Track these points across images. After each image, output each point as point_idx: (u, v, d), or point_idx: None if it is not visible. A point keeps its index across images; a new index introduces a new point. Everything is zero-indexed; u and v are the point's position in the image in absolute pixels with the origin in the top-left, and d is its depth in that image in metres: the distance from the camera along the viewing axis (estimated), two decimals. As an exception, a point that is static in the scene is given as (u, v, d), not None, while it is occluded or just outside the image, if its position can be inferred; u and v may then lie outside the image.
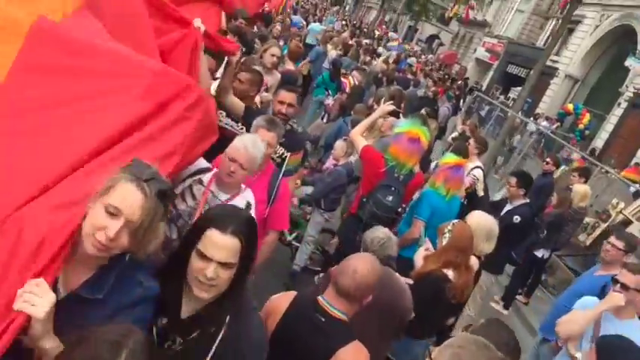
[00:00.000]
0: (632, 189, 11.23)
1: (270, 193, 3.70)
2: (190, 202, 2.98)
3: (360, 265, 2.48)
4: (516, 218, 5.86)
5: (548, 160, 9.16)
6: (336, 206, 5.96)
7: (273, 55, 6.04)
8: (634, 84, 21.52)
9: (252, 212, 3.11)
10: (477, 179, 6.35)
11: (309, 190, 6.11)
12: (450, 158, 4.99)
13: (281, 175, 3.84)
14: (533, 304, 8.42)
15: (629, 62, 21.20)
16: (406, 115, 10.84)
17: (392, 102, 9.40)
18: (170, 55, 2.73)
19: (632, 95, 21.51)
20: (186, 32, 2.88)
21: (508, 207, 6.07)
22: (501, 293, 7.84)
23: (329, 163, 7.19)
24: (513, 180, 6.04)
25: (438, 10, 33.02)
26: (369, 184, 4.64)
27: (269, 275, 5.48)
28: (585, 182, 8.50)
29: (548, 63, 28.22)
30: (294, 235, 6.27)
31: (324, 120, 9.60)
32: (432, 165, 6.08)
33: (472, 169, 6.39)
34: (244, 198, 3.14)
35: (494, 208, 5.99)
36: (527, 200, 6.13)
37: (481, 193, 6.21)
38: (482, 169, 6.64)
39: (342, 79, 9.82)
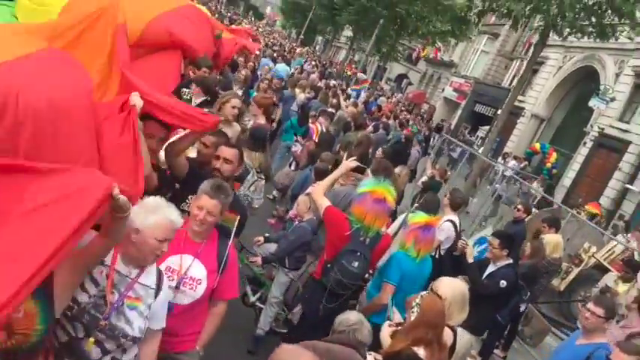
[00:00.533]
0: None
1: (220, 261, 3.40)
2: (93, 290, 2.49)
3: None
4: (502, 283, 5.62)
5: (519, 207, 9.01)
6: (301, 265, 5.63)
7: (234, 107, 5.68)
8: (598, 124, 21.91)
9: (165, 280, 2.81)
10: (466, 244, 6.13)
11: (272, 248, 5.79)
12: (420, 217, 4.72)
13: (230, 242, 3.52)
14: (511, 356, 8.16)
15: (593, 103, 21.60)
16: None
17: (359, 146, 9.33)
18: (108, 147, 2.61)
19: (597, 135, 21.85)
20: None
21: (491, 268, 5.80)
22: (479, 347, 7.56)
23: (291, 213, 6.91)
24: (496, 241, 5.79)
25: (406, 51, 33.50)
26: (332, 248, 4.33)
27: (229, 341, 5.09)
28: (556, 232, 8.31)
29: (515, 103, 28.82)
30: (257, 295, 5.91)
31: (292, 167, 9.36)
32: (399, 219, 5.80)
33: (443, 221, 6.17)
34: (153, 267, 2.75)
35: (478, 268, 5.79)
36: (511, 261, 5.91)
37: (470, 260, 5.91)
38: (455, 223, 6.38)
39: (310, 124, 9.61)
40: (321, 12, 44.32)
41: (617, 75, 22.30)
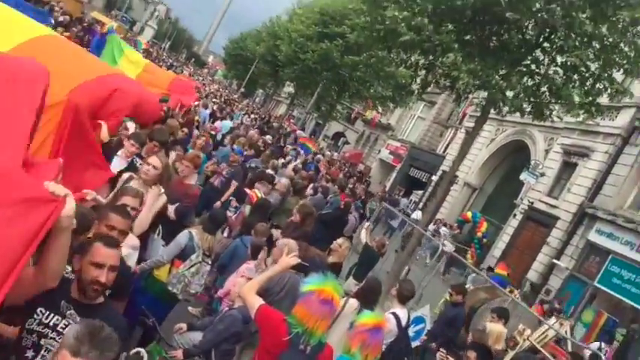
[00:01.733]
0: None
1: None
2: None
3: None
4: None
5: (451, 291, 8.66)
6: (229, 359, 4.99)
7: (148, 165, 5.00)
8: (528, 197, 22.47)
9: None
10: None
11: (197, 337, 5.12)
12: (368, 318, 4.22)
13: None
14: None
15: (524, 176, 22.20)
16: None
17: (303, 221, 8.84)
18: None
19: (526, 208, 22.37)
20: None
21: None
22: None
23: (220, 292, 6.31)
24: (472, 354, 5.38)
25: (345, 110, 33.93)
26: (266, 355, 3.75)
27: None
28: (505, 324, 8.01)
29: (449, 170, 29.46)
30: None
31: (225, 234, 8.74)
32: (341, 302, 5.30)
33: (388, 313, 5.72)
34: None
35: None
36: None
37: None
38: (399, 318, 5.92)
39: (247, 190, 9.07)
40: (263, 66, 44.55)
41: (547, 151, 23.14)
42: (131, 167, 5.78)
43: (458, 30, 11.51)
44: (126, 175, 5.03)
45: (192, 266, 5.13)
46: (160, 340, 5.03)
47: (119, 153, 6.03)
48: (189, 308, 7.40)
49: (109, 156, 5.64)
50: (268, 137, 20.56)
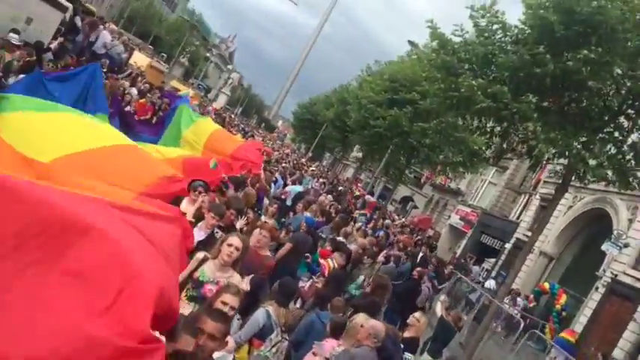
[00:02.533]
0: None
1: None
2: None
3: None
4: None
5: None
6: None
7: (230, 246, 4.86)
8: (611, 269, 21.17)
9: None
10: None
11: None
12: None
13: None
14: None
15: (606, 247, 21.03)
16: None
17: (375, 290, 8.58)
18: None
19: (609, 281, 21.03)
20: None
21: None
22: None
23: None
24: None
25: (413, 174, 33.71)
26: None
27: None
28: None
29: (523, 238, 28.32)
30: None
31: (297, 305, 8.57)
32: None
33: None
34: None
35: None
36: None
37: None
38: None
39: (321, 260, 8.93)
40: (332, 131, 45.19)
41: (631, 220, 21.89)
42: (211, 239, 5.79)
43: (537, 97, 11.24)
44: (200, 255, 4.95)
45: (273, 346, 4.97)
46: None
47: (199, 225, 6.05)
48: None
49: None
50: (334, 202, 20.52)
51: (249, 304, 5.53)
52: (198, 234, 5.98)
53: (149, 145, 9.29)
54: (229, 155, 12.26)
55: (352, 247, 11.45)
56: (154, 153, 8.20)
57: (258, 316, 5.33)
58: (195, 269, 4.76)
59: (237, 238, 5.04)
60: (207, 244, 5.89)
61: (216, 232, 6.02)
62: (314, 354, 5.61)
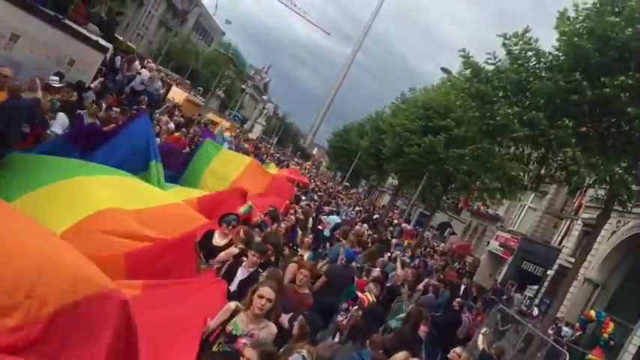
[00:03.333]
0: None
1: None
2: None
3: None
4: None
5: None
6: None
7: (262, 298, 4.63)
8: (660, 296, 20.39)
9: None
10: None
11: None
12: None
13: None
14: None
15: (654, 273, 20.28)
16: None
17: (408, 320, 8.50)
18: None
19: (659, 308, 20.23)
20: None
21: None
22: None
23: None
24: None
25: (451, 200, 33.30)
26: None
27: None
28: None
29: (566, 264, 27.58)
30: None
31: (336, 339, 8.53)
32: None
33: None
34: None
35: None
36: None
37: None
38: None
39: (359, 293, 8.90)
40: (367, 159, 45.19)
41: (678, 245, 21.11)
42: (254, 277, 5.95)
43: (574, 123, 11.09)
44: (232, 306, 4.72)
45: None
46: None
47: (244, 264, 6.17)
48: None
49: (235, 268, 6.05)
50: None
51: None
52: (242, 272, 6.09)
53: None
54: (264, 189, 12.49)
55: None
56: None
57: None
58: (228, 321, 4.60)
59: (269, 288, 4.71)
60: (250, 282, 5.94)
61: (260, 272, 6.12)
62: None
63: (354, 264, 11.62)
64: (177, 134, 17.28)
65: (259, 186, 12.63)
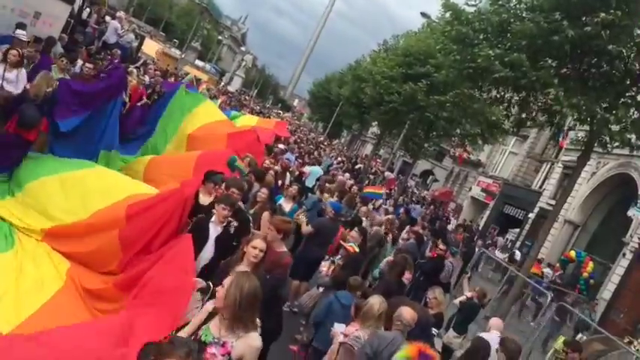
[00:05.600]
0: None
1: None
2: None
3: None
4: None
5: (565, 349, 7.88)
6: None
7: (255, 248, 4.91)
8: (638, 234, 20.80)
9: None
10: None
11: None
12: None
13: None
14: None
15: (632, 212, 20.63)
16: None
17: (394, 267, 8.52)
18: None
19: (637, 246, 20.66)
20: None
21: None
22: None
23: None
24: None
25: (432, 147, 33.29)
26: None
27: None
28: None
29: (547, 207, 27.95)
30: None
31: (321, 289, 8.53)
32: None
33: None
34: None
35: None
36: None
37: None
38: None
39: (342, 242, 8.86)
40: (348, 108, 44.87)
41: (657, 184, 21.42)
42: (226, 233, 5.90)
43: (556, 63, 10.95)
44: (209, 307, 3.93)
45: None
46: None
47: (213, 219, 6.00)
48: (288, 366, 7.21)
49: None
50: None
51: (269, 304, 4.97)
52: (215, 230, 5.93)
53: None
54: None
55: (375, 228, 11.41)
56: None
57: None
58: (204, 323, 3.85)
59: (261, 240, 5.02)
60: (225, 237, 5.90)
61: (232, 224, 5.98)
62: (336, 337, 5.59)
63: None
64: (134, 82, 15.89)
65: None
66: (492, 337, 7.40)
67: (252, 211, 7.84)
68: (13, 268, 5.38)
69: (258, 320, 3.66)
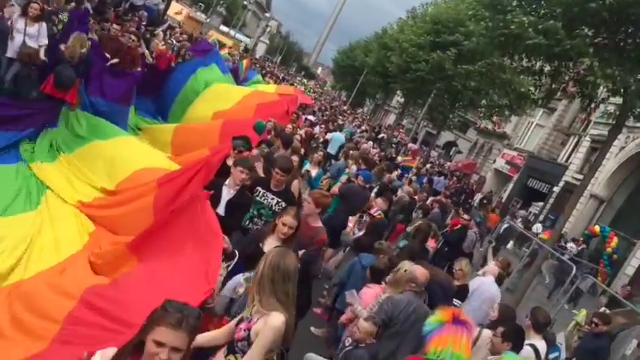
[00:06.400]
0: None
1: None
2: None
3: None
4: None
5: (595, 320, 7.82)
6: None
7: (284, 225, 4.74)
8: (665, 211, 20.46)
9: None
10: None
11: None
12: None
13: None
14: None
15: (660, 188, 20.25)
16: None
17: (418, 233, 8.53)
18: None
19: (663, 222, 20.35)
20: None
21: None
22: None
23: (344, 318, 6.09)
24: None
25: (457, 119, 32.81)
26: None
27: None
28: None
29: (572, 181, 27.57)
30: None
31: (344, 251, 8.61)
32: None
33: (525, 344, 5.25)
34: None
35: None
36: None
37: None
38: (537, 349, 5.41)
39: (367, 211, 8.87)
40: (373, 77, 44.40)
41: (686, 161, 20.94)
42: (241, 195, 5.69)
43: (592, 32, 10.64)
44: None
45: None
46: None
47: (227, 182, 5.74)
48: (312, 329, 7.31)
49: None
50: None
51: (300, 281, 5.02)
52: (228, 193, 5.68)
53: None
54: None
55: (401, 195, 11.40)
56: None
57: None
58: None
59: (292, 218, 4.78)
60: (236, 203, 5.64)
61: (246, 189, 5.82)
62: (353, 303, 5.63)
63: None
64: (163, 47, 15.90)
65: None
66: (486, 280, 7.87)
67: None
68: (35, 226, 5.42)
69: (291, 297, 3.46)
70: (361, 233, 8.34)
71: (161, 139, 9.20)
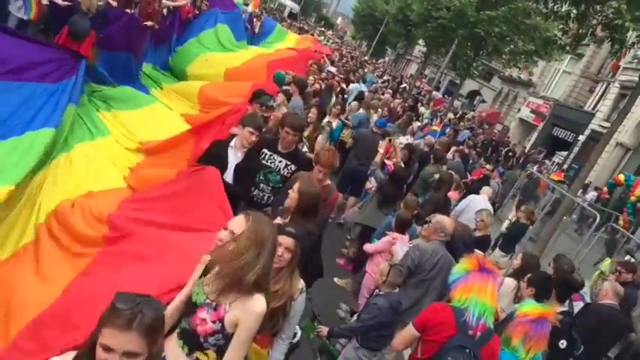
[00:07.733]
0: None
1: None
2: None
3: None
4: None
5: (619, 269, 7.77)
6: (380, 347, 4.82)
7: (280, 246, 3.29)
8: (694, 158, 20.00)
9: None
10: None
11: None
12: (531, 307, 3.87)
13: None
14: None
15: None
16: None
17: (441, 186, 8.48)
18: None
19: (692, 170, 19.91)
20: None
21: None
22: None
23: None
24: None
25: (480, 67, 32.03)
26: (433, 343, 3.61)
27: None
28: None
29: (599, 129, 26.99)
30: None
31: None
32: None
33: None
34: None
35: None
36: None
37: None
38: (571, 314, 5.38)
39: (386, 160, 8.84)
40: (394, 26, 43.44)
41: None
42: (250, 159, 5.06)
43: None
44: (206, 258, 2.91)
45: None
46: (314, 318, 5.02)
47: (232, 144, 5.04)
48: (335, 279, 7.42)
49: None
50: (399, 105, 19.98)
51: (312, 246, 4.24)
52: (235, 156, 4.98)
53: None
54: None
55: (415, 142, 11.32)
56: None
57: None
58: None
59: (289, 238, 3.39)
60: (245, 167, 4.99)
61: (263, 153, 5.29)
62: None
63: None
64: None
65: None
66: (479, 198, 8.69)
67: (305, 134, 7.17)
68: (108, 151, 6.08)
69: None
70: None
71: (186, 96, 9.17)
